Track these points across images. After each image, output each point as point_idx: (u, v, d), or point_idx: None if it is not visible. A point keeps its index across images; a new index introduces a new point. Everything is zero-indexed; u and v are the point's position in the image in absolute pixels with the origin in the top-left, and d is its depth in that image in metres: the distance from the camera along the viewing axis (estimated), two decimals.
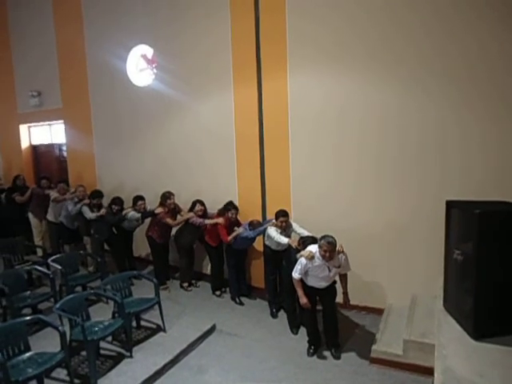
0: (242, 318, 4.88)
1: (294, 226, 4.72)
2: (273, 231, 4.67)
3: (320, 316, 4.13)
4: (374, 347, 3.84)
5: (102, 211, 5.87)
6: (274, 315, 4.91)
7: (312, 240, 4.15)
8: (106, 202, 6.07)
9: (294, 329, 4.50)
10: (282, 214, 4.66)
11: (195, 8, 5.58)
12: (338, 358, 3.96)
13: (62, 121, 7.54)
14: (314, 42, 4.76)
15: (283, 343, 4.30)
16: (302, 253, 3.89)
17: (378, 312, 4.67)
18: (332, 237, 3.73)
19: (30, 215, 6.84)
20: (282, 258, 4.66)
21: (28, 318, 3.66)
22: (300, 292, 3.89)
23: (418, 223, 4.40)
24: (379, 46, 4.41)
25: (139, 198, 5.78)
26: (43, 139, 8.29)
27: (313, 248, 3.87)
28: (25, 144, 8.35)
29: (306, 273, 3.87)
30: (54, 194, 6.50)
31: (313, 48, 4.78)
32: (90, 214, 5.85)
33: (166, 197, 5.57)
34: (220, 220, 5.21)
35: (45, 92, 7.64)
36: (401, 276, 4.58)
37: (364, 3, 4.44)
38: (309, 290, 3.91)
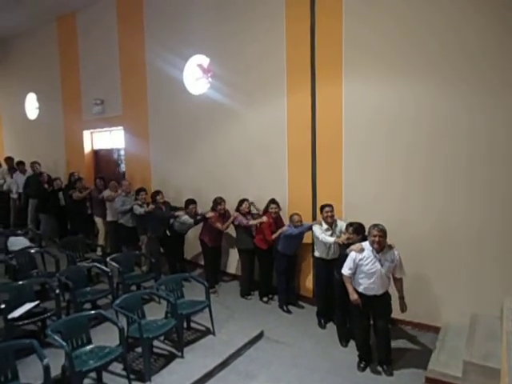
0: (289, 327, 4.85)
1: (341, 224, 4.68)
2: (317, 229, 4.69)
3: (370, 328, 3.99)
4: (430, 367, 3.65)
5: (150, 207, 6.13)
6: (322, 326, 4.84)
7: (359, 225, 4.10)
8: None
9: (344, 341, 4.39)
10: (327, 205, 4.68)
11: (250, 17, 5.71)
12: (390, 374, 3.82)
13: (121, 127, 7.98)
14: (370, 48, 4.70)
15: (332, 355, 4.22)
16: (352, 247, 3.84)
17: (434, 330, 4.46)
18: (382, 225, 3.68)
19: (95, 217, 7.28)
20: (333, 269, 4.51)
21: (90, 312, 3.90)
22: (350, 288, 3.80)
23: (485, 236, 4.16)
24: (435, 54, 4.30)
25: (191, 201, 5.94)
26: (104, 144, 8.82)
27: (363, 243, 3.83)
28: (87, 149, 8.92)
29: (356, 272, 3.77)
30: (106, 193, 6.92)
31: (369, 54, 4.72)
32: (139, 210, 6.16)
33: (218, 202, 5.71)
34: (264, 218, 5.30)
35: (107, 100, 8.13)
36: (461, 292, 4.34)
37: (421, 11, 4.35)
38: (362, 300, 3.78)
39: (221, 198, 5.75)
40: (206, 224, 5.79)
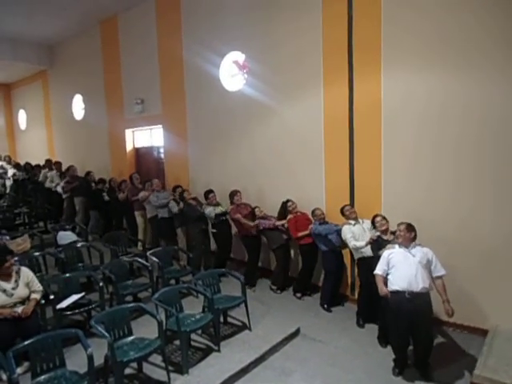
0: (326, 324, 4.78)
1: (366, 224, 4.63)
2: (347, 233, 4.67)
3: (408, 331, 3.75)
4: (476, 372, 3.45)
5: (181, 205, 6.29)
6: (360, 325, 4.73)
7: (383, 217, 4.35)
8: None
9: (384, 342, 4.25)
10: (346, 205, 4.87)
11: (286, 12, 5.63)
12: (428, 379, 3.64)
13: (160, 125, 8.20)
14: (412, 36, 4.48)
15: (370, 355, 4.11)
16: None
17: (480, 333, 4.22)
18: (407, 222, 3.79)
19: (136, 213, 7.55)
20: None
21: (131, 305, 4.05)
22: (380, 284, 3.77)
23: None
24: (484, 41, 4.01)
25: (209, 191, 6.17)
26: (144, 142, 9.11)
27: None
28: (129, 147, 9.26)
29: (390, 269, 3.71)
30: (140, 194, 7.18)
31: (411, 43, 4.50)
32: (175, 209, 6.37)
33: (233, 194, 5.91)
34: (289, 217, 5.42)
35: (147, 99, 8.36)
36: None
37: None
38: (399, 299, 3.60)
39: (235, 190, 5.93)
40: (234, 220, 5.90)
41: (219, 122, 6.87)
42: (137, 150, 9.34)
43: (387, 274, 3.76)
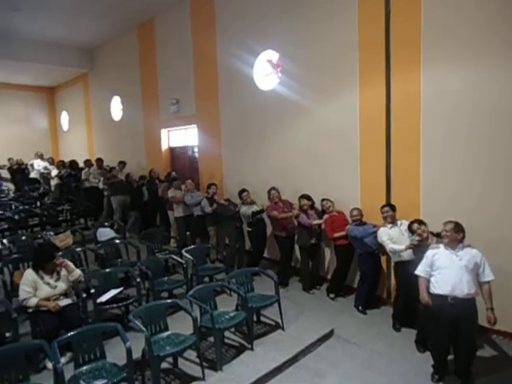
0: (361, 326, 4.69)
1: (404, 226, 4.45)
2: (383, 235, 4.53)
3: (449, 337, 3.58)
4: None
5: (214, 205, 6.36)
6: (396, 329, 4.60)
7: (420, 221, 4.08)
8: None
9: (421, 347, 4.12)
10: (385, 205, 4.68)
11: (321, 9, 5.56)
12: None
13: (194, 125, 8.33)
14: (452, 33, 4.31)
15: (407, 359, 3.99)
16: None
17: None
18: (454, 220, 3.56)
19: (169, 212, 7.71)
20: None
21: (168, 301, 4.14)
22: (422, 288, 3.59)
23: None
24: None
25: (243, 190, 6.21)
26: (179, 142, 9.30)
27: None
28: (164, 146, 9.48)
29: (433, 271, 3.53)
30: (171, 192, 7.32)
31: (451, 40, 4.32)
32: (207, 208, 6.44)
33: (269, 192, 5.91)
34: (325, 217, 5.34)
35: (182, 99, 8.53)
36: None
37: None
38: (441, 303, 3.45)
39: (272, 188, 5.94)
40: (270, 218, 5.91)
41: (252, 122, 6.89)
42: (171, 150, 9.55)
43: (430, 275, 3.58)
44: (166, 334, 3.75)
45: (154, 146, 9.66)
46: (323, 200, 5.49)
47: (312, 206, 5.62)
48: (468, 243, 3.53)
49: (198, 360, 3.74)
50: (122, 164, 9.61)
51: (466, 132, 4.32)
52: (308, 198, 5.56)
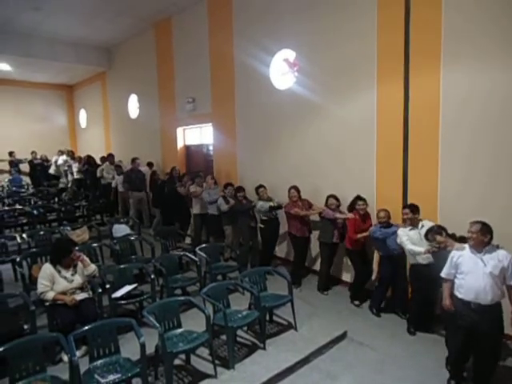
0: (375, 329, 4.63)
1: (428, 225, 4.22)
2: (403, 236, 4.41)
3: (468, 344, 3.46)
4: None
5: (231, 202, 6.35)
6: (411, 332, 4.52)
7: (438, 227, 3.85)
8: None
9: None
10: (404, 206, 4.56)
11: (340, 11, 5.51)
12: None
13: (210, 124, 8.36)
14: (473, 38, 4.20)
15: (422, 364, 3.92)
16: (456, 245, 3.56)
17: None
18: (482, 220, 3.32)
19: (191, 209, 7.68)
20: (431, 275, 4.05)
21: (181, 298, 4.17)
22: (445, 292, 3.49)
23: None
24: None
25: (260, 186, 6.23)
26: (194, 140, 9.35)
27: (464, 244, 3.49)
28: (180, 144, 9.55)
29: (457, 274, 3.40)
30: (192, 188, 7.30)
31: (472, 45, 4.22)
32: (224, 207, 6.43)
33: (288, 190, 5.86)
34: (350, 215, 5.21)
35: (198, 98, 8.57)
36: None
37: None
38: (463, 305, 3.34)
39: (291, 186, 5.87)
40: (288, 215, 5.86)
41: (268, 121, 6.87)
42: (187, 148, 9.61)
43: (454, 277, 3.46)
44: (179, 330, 3.78)
45: (169, 144, 9.74)
46: (360, 199, 5.19)
47: (338, 207, 5.54)
48: (496, 243, 3.36)
49: (210, 357, 3.76)
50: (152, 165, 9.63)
51: (487, 135, 4.21)
52: (336, 198, 5.49)
